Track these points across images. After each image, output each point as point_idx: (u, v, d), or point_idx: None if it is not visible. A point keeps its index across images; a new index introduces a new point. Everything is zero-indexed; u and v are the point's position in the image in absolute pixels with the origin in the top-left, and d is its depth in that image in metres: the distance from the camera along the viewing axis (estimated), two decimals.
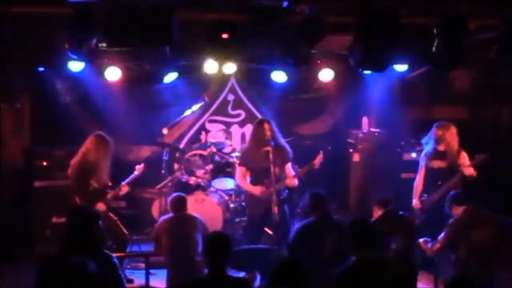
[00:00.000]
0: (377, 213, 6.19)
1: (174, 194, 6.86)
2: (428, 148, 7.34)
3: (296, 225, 5.89)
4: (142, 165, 7.55)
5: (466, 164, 7.07)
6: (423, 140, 7.48)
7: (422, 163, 7.34)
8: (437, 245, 6.05)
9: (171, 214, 6.64)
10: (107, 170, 7.18)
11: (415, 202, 7.23)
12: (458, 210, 6.12)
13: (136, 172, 7.46)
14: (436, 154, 7.22)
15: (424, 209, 7.13)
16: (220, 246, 4.52)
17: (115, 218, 7.17)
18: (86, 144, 7.13)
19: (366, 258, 4.50)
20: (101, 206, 6.96)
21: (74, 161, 7.11)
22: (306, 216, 5.93)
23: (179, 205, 6.60)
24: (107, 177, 7.19)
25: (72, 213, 4.73)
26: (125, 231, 7.13)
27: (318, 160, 7.23)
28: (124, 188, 7.29)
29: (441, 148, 7.18)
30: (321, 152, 7.28)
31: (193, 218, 6.53)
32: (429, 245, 6.12)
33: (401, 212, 6.31)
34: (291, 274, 4.15)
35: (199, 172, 8.76)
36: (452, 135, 7.16)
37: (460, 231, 5.92)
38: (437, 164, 7.21)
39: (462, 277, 4.46)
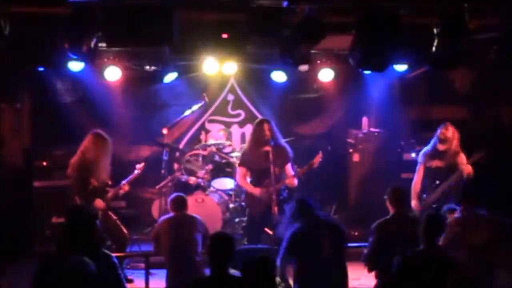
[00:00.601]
0: (388, 205, 6.08)
1: (174, 194, 6.85)
2: (427, 147, 7.34)
3: (288, 232, 5.86)
4: (143, 164, 7.54)
5: (464, 164, 7.08)
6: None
7: (420, 161, 7.33)
8: None
9: (171, 214, 6.64)
10: (107, 169, 7.17)
11: (414, 203, 7.19)
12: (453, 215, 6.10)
13: (136, 171, 7.45)
14: (435, 154, 7.22)
15: (424, 209, 7.09)
16: (223, 247, 4.52)
17: (115, 217, 7.17)
18: (85, 143, 7.13)
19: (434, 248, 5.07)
20: (99, 203, 6.97)
21: (73, 160, 7.11)
22: (294, 222, 5.88)
23: (179, 205, 6.59)
24: (106, 175, 7.18)
25: (71, 213, 4.73)
26: (124, 230, 7.13)
27: (317, 160, 7.23)
28: (125, 187, 7.28)
29: (441, 148, 7.18)
30: (320, 152, 7.29)
31: (193, 218, 6.53)
32: None
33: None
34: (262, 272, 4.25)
35: (199, 172, 8.77)
36: (457, 138, 7.16)
37: (458, 231, 5.90)
38: (435, 163, 7.20)
39: (462, 277, 4.45)
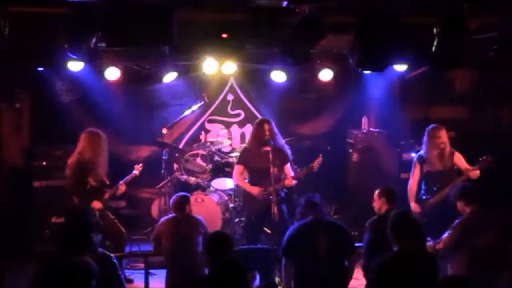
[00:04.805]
0: (379, 203, 6.11)
1: (177, 194, 6.80)
2: (421, 152, 7.31)
3: (290, 229, 5.89)
4: (141, 164, 7.53)
5: (467, 167, 7.02)
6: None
7: (416, 167, 7.26)
8: (440, 245, 6.00)
9: (172, 215, 6.63)
10: (104, 167, 7.13)
11: (413, 205, 7.15)
12: (465, 209, 6.01)
13: (135, 172, 7.43)
14: (430, 158, 7.17)
15: (423, 212, 7.06)
16: (221, 246, 4.52)
17: (113, 217, 7.15)
18: (80, 143, 7.09)
19: (408, 249, 4.72)
20: (97, 204, 6.95)
21: (71, 161, 7.07)
22: (301, 219, 5.93)
23: (181, 205, 6.57)
24: (104, 174, 7.14)
25: (69, 213, 4.73)
26: (122, 230, 7.12)
27: (317, 163, 7.20)
28: (122, 187, 7.24)
29: (434, 151, 7.14)
30: (320, 155, 7.26)
31: (194, 219, 6.51)
32: (431, 243, 6.06)
33: None
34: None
35: (199, 172, 8.76)
36: (441, 138, 7.13)
37: (465, 233, 5.88)
38: (433, 167, 7.14)
39: (455, 276, 4.45)
